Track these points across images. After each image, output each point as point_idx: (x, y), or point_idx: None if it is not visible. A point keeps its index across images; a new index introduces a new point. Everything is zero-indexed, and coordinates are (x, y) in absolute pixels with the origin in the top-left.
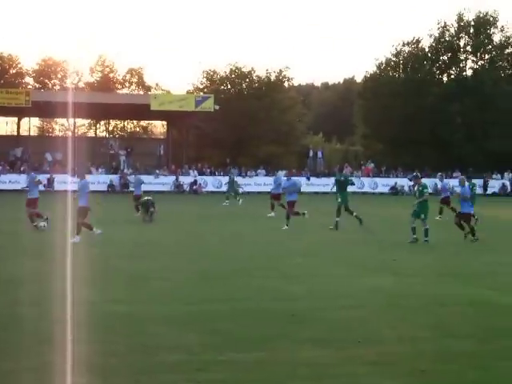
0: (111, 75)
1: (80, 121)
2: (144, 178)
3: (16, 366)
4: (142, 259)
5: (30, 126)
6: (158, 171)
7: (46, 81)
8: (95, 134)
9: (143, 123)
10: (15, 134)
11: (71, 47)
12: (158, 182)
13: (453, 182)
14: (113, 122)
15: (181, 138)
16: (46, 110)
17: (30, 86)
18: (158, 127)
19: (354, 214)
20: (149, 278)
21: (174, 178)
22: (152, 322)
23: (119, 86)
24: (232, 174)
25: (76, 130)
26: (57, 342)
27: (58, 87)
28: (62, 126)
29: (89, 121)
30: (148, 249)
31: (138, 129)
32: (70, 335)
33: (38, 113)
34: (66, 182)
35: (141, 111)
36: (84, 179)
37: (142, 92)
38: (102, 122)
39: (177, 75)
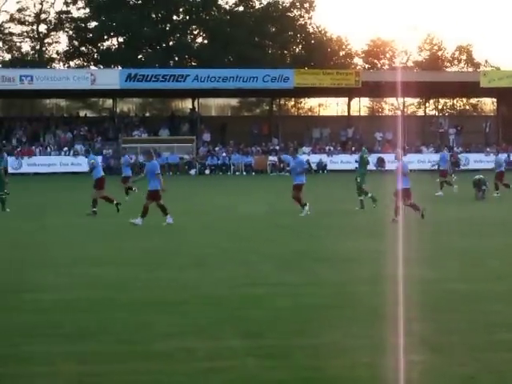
0: (439, 53)
1: (409, 100)
2: (474, 156)
3: (353, 342)
4: (475, 237)
5: (360, 106)
6: (488, 149)
7: (375, 61)
8: (424, 112)
9: (472, 101)
10: (346, 114)
11: (399, 27)
12: (488, 160)
13: None
14: (442, 101)
15: (511, 114)
16: (375, 89)
17: (359, 67)
18: (488, 104)
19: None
20: (482, 256)
21: (505, 155)
22: (489, 300)
23: (447, 64)
24: None
25: (405, 109)
26: (392, 319)
27: (386, 67)
28: (391, 105)
29: (418, 99)
30: (480, 226)
31: (467, 106)
32: (405, 313)
33: (367, 93)
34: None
35: (470, 88)
36: (152, 161)
37: (470, 69)
38: (431, 101)
39: (507, 51)
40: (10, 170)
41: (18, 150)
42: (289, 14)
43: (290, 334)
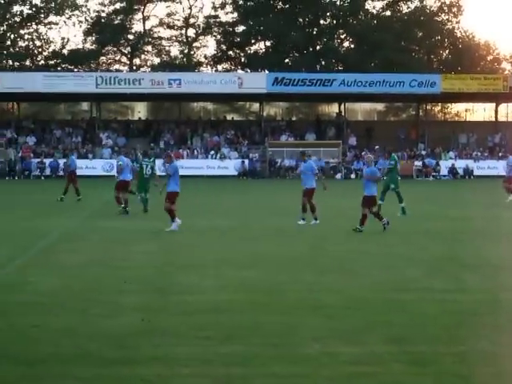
0: None
1: None
2: None
3: (500, 350)
4: None
5: (508, 111)
6: None
7: None
8: None
9: None
10: (493, 119)
11: None
12: None
13: None
14: None
15: None
16: None
17: (507, 72)
18: None
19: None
20: None
21: None
22: None
23: None
24: None
25: None
26: None
27: None
28: None
29: None
30: None
31: None
32: None
33: None
34: None
35: None
36: (173, 163)
37: None
38: None
39: None
40: (158, 173)
41: (168, 152)
42: (436, 18)
43: (436, 341)
